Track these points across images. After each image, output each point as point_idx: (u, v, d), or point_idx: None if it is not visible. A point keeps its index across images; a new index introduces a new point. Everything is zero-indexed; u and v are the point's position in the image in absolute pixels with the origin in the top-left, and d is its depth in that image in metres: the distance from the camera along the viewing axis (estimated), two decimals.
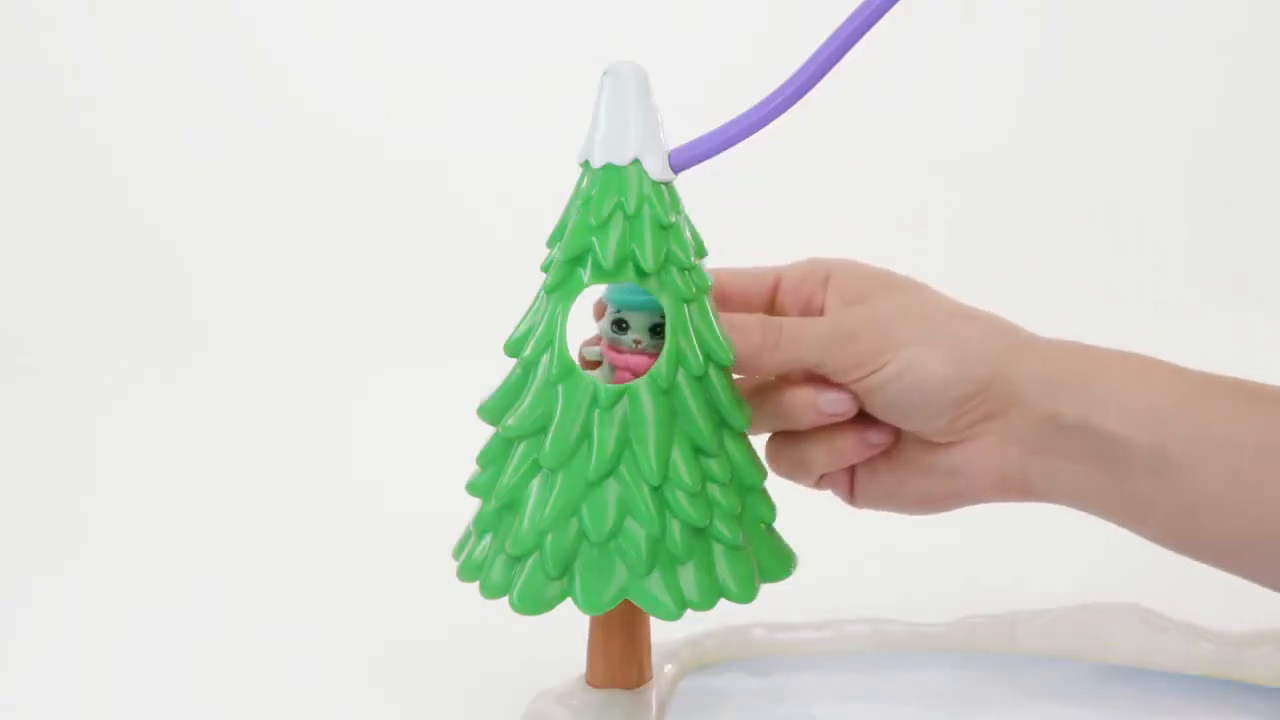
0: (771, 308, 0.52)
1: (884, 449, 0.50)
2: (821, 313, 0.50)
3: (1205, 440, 0.46)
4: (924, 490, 0.50)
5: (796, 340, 0.48)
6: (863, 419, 0.49)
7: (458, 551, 0.49)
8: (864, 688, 0.55)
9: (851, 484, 0.52)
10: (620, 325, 0.47)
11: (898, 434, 0.50)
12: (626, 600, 0.46)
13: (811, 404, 0.48)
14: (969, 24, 1.36)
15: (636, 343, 0.47)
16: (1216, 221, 1.35)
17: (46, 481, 0.89)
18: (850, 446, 0.50)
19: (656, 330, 0.47)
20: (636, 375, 0.46)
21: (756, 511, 0.48)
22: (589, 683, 0.50)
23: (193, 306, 1.25)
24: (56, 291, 1.25)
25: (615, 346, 0.47)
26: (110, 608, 0.67)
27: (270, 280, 1.27)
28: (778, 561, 0.48)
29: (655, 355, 0.47)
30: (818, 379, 0.48)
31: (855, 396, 0.48)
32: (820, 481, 0.51)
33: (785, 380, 0.49)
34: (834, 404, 0.48)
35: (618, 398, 0.45)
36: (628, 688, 0.50)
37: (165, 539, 0.77)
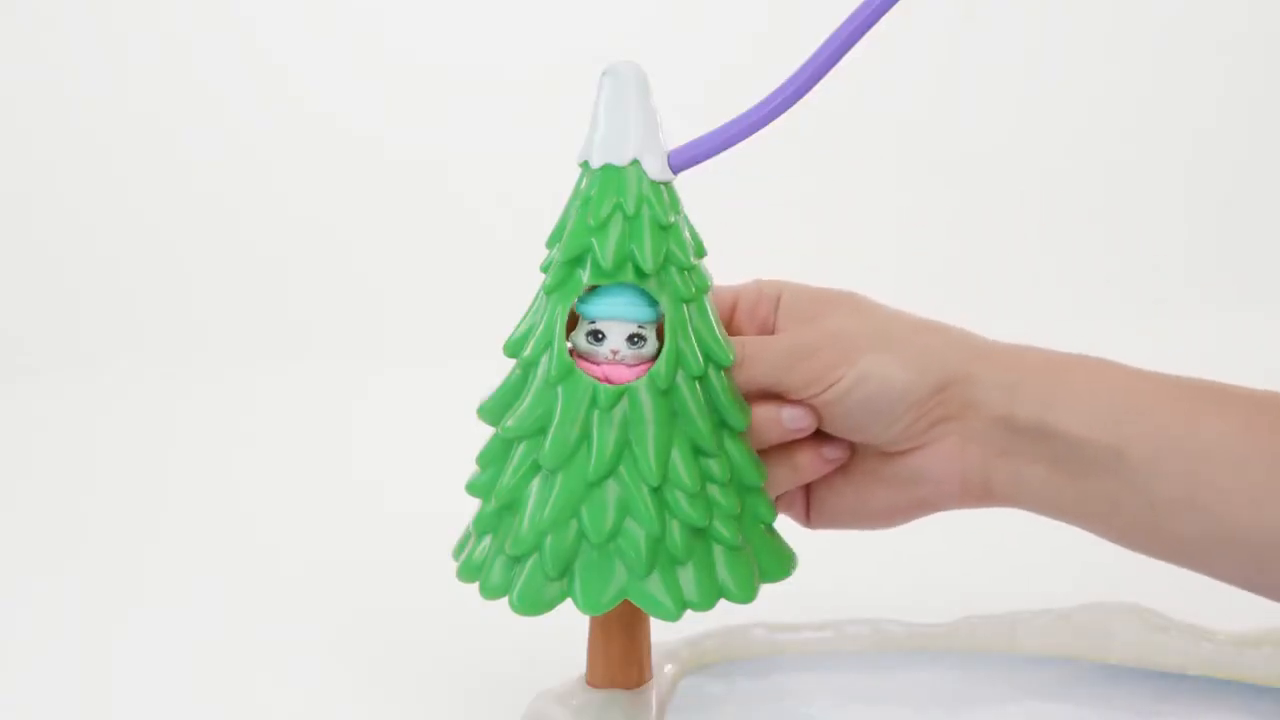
0: (729, 329, 0.51)
1: (841, 464, 0.50)
2: (775, 334, 0.50)
3: (1164, 441, 0.46)
4: (887, 502, 0.50)
5: (756, 359, 0.48)
6: (817, 436, 0.49)
7: (457, 552, 0.49)
8: (864, 688, 0.55)
9: (807, 505, 0.51)
10: (596, 336, 0.47)
11: (853, 449, 0.50)
12: (626, 600, 0.46)
13: (776, 420, 0.48)
14: (969, 24, 1.36)
15: (614, 353, 0.47)
16: (1216, 221, 1.35)
17: (46, 481, 0.89)
18: (808, 463, 0.49)
19: (633, 340, 0.47)
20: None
21: (756, 512, 0.48)
22: (589, 683, 0.50)
23: (193, 306, 1.25)
24: (56, 291, 1.25)
25: (590, 358, 0.47)
26: (110, 608, 0.67)
27: (270, 280, 1.27)
28: (778, 561, 0.48)
29: (635, 365, 0.46)
30: (775, 396, 0.48)
31: (814, 411, 0.48)
32: (776, 504, 0.51)
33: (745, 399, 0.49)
34: (797, 419, 0.48)
35: (617, 398, 0.45)
36: (628, 688, 0.50)
37: (165, 539, 0.77)
